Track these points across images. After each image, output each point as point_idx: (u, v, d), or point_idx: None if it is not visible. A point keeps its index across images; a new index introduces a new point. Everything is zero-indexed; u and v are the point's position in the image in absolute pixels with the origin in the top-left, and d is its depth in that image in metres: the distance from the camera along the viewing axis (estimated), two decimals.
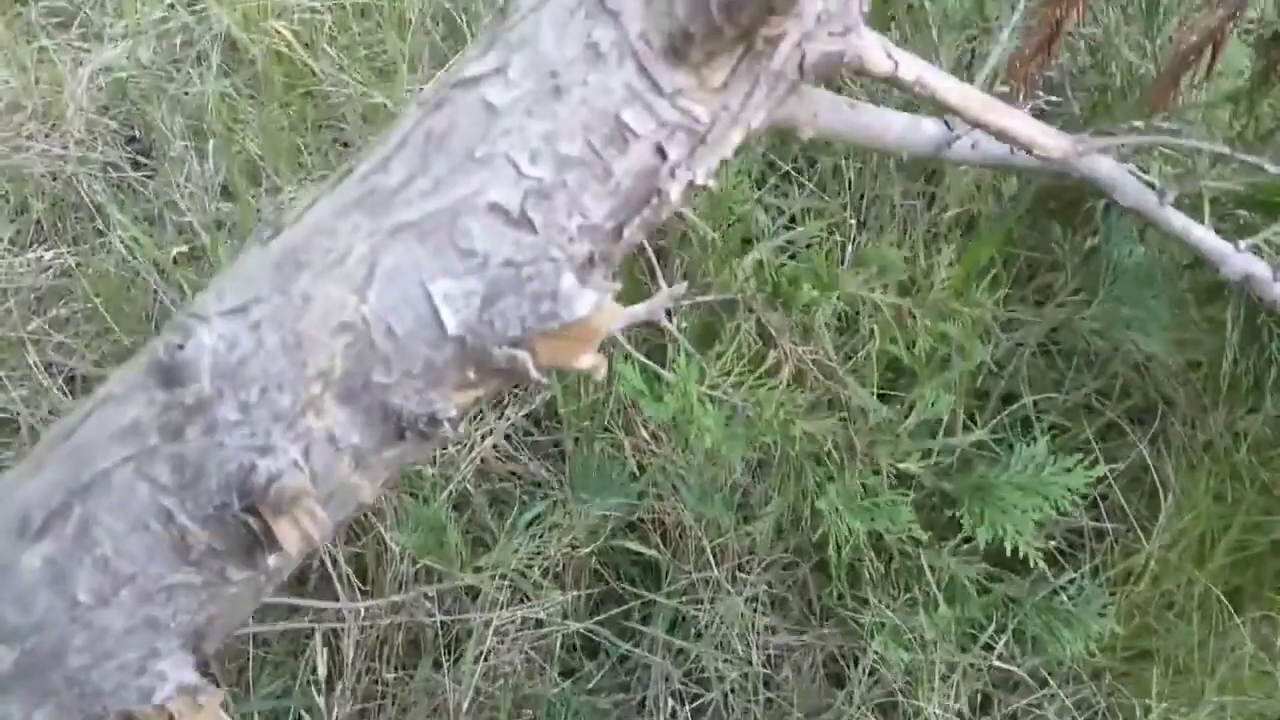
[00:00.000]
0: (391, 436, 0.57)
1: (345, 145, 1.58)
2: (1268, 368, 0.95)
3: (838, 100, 0.69)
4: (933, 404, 1.03)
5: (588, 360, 0.56)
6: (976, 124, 0.64)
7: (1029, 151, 0.66)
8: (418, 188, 0.53)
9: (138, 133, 1.61)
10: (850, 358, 1.16)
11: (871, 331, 1.06)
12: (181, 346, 0.53)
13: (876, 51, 0.61)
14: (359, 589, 1.12)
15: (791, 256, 1.16)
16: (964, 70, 0.96)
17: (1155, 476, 1.19)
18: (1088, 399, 1.23)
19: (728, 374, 1.01)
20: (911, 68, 0.62)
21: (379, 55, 1.56)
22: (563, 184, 0.54)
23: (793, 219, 1.27)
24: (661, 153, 0.55)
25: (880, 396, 1.16)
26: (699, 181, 0.58)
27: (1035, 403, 1.21)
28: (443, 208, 0.53)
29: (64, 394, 1.27)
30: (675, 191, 0.57)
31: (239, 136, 1.53)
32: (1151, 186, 0.73)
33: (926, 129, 0.79)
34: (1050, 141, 0.66)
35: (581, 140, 0.53)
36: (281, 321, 0.53)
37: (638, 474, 1.19)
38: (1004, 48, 0.80)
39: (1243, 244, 0.76)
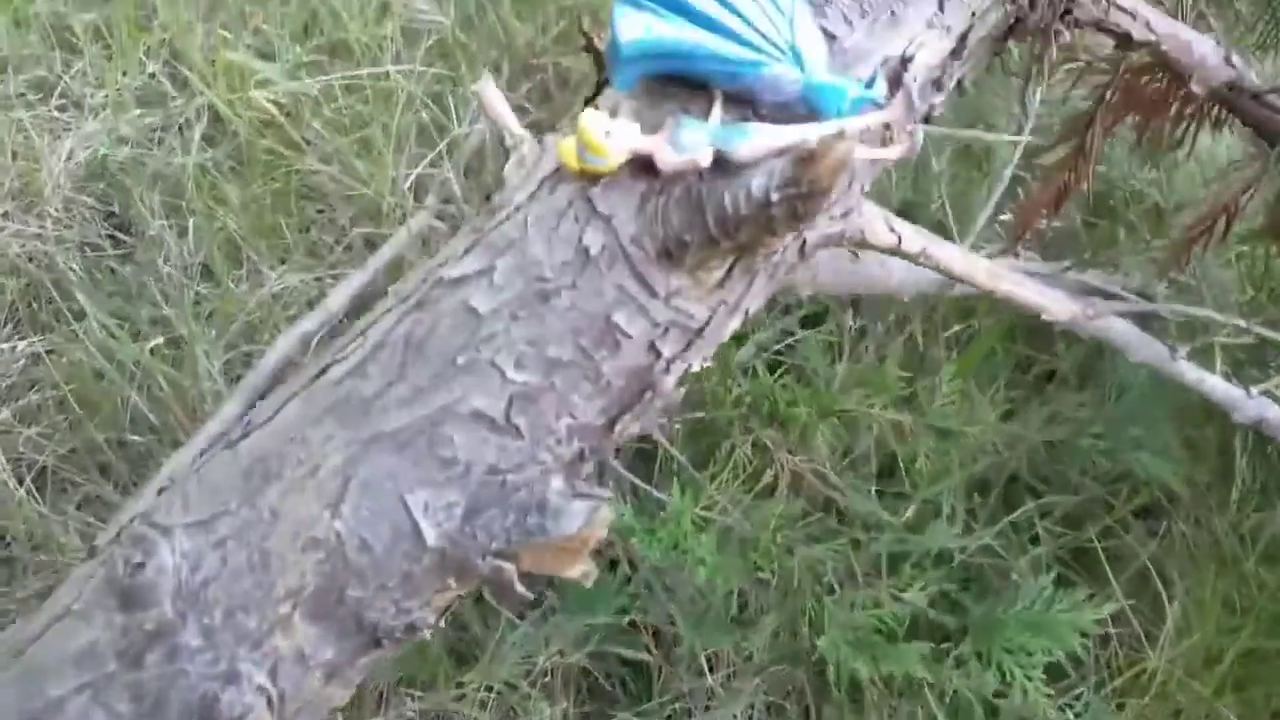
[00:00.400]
0: (366, 646, 0.53)
1: (330, 221, 1.54)
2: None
3: (838, 255, 0.66)
4: (933, 505, 1.00)
5: (577, 569, 0.52)
6: (984, 292, 0.61)
7: (1038, 316, 0.63)
8: (396, 395, 0.50)
9: (117, 209, 1.57)
10: (848, 454, 1.13)
11: (870, 429, 1.03)
12: (142, 565, 0.49)
13: (879, 225, 0.58)
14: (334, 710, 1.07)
15: (790, 348, 1.13)
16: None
17: (1160, 581, 1.16)
18: (1092, 496, 1.20)
19: (723, 486, 0.97)
20: (915, 240, 0.59)
21: (365, 128, 1.53)
22: (550, 386, 0.51)
23: (786, 308, 1.24)
24: (655, 350, 0.52)
25: (878, 493, 1.13)
26: (695, 369, 0.55)
27: (1039, 499, 1.18)
28: (422, 416, 0.50)
29: (34, 498, 1.23)
30: (670, 383, 0.54)
31: (220, 214, 1.49)
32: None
33: (929, 270, 0.75)
34: (1059, 307, 0.63)
35: (571, 343, 0.50)
36: (248, 539, 0.49)
37: (630, 574, 1.15)
38: (999, 196, 0.78)
39: (1255, 389, 0.73)
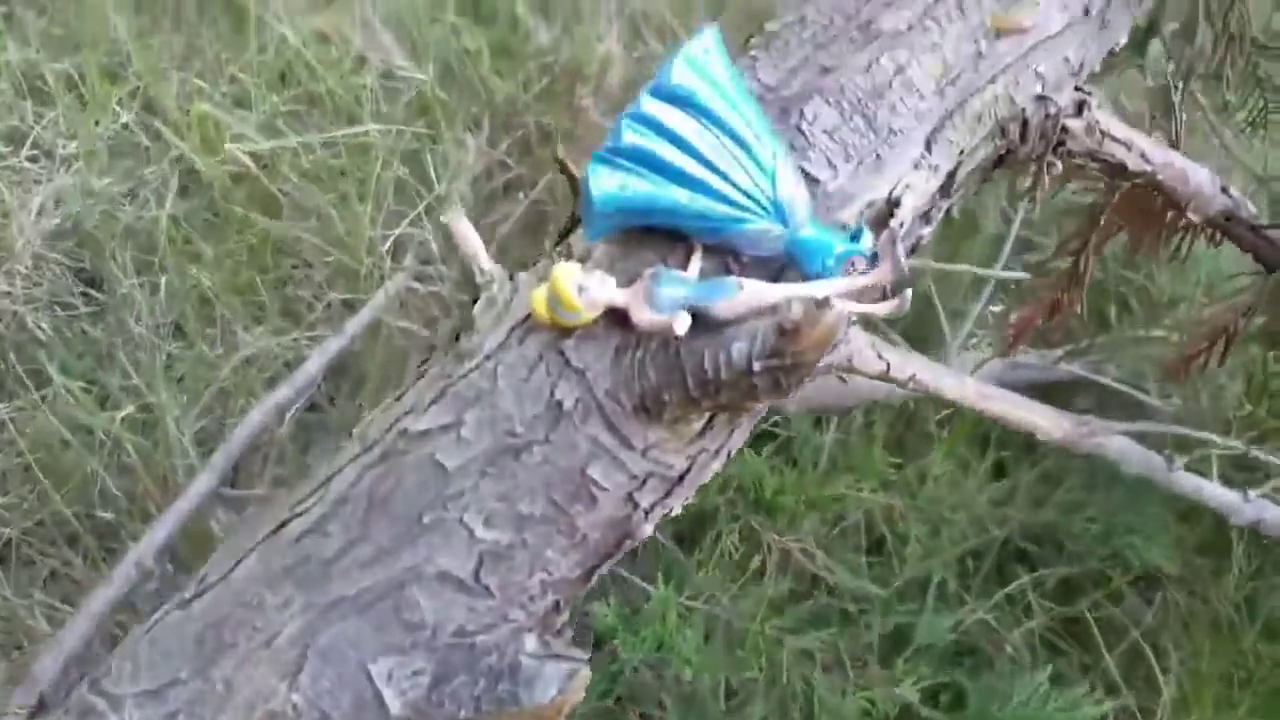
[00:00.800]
0: None
1: (306, 278, 1.51)
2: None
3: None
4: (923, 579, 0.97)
5: None
6: (975, 410, 0.59)
7: (1032, 435, 0.61)
8: (357, 556, 0.47)
9: (88, 265, 1.53)
10: (838, 524, 1.11)
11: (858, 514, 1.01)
12: None
13: (867, 354, 0.55)
14: None
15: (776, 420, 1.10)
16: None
17: (1155, 654, 1.14)
18: (1085, 567, 1.18)
19: (709, 572, 0.94)
20: (904, 366, 0.56)
21: (342, 179, 1.50)
22: (523, 543, 0.48)
23: None
24: (633, 502, 0.49)
25: (868, 564, 1.11)
26: (676, 512, 0.52)
27: (1032, 571, 1.16)
28: (386, 579, 0.47)
29: None
30: (649, 529, 0.51)
31: (193, 271, 1.46)
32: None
33: None
34: (1052, 426, 0.60)
35: (543, 499, 0.47)
36: (200, 713, 0.46)
37: (615, 653, 1.12)
38: (983, 306, 0.76)
39: (1253, 494, 0.71)
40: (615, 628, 0.81)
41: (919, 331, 0.98)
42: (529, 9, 1.41)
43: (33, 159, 1.62)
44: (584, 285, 0.44)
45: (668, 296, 0.43)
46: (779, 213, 0.43)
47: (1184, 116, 0.55)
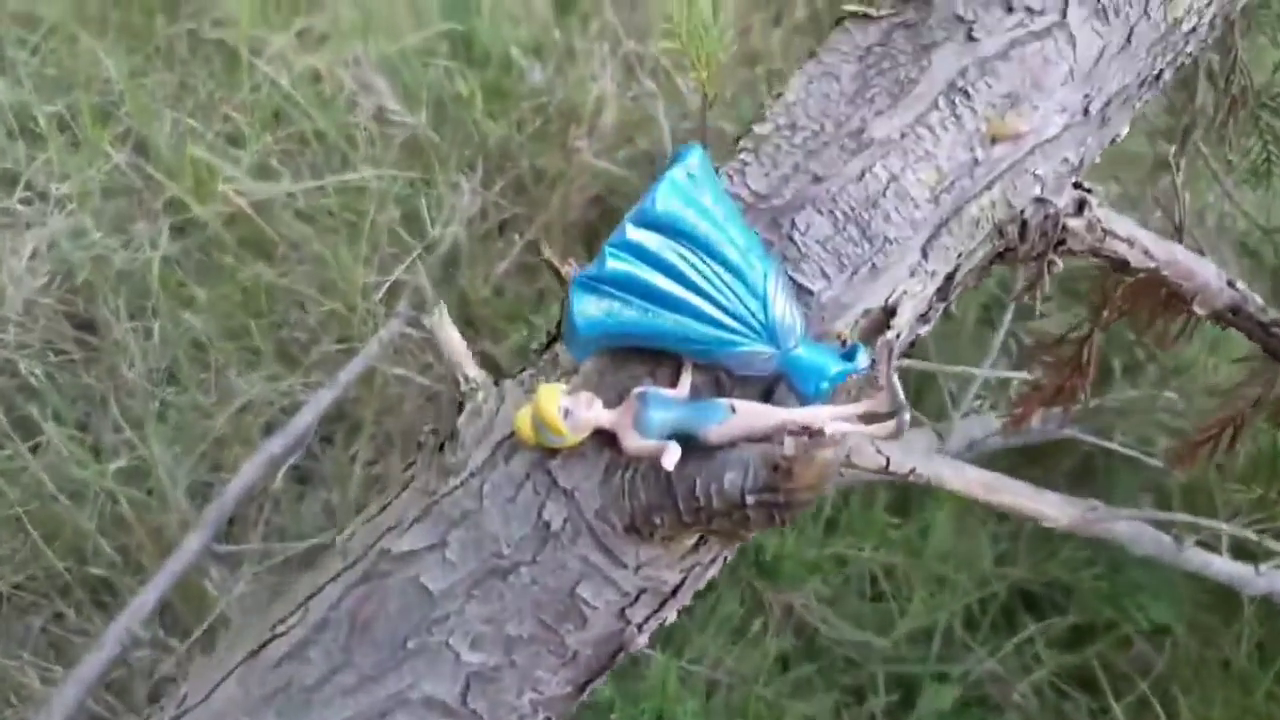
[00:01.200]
0: None
1: (300, 321, 1.49)
2: None
3: None
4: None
5: None
6: (982, 501, 0.58)
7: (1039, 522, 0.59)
8: (340, 684, 0.45)
9: (81, 308, 1.52)
10: (842, 578, 1.09)
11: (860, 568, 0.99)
12: None
13: (866, 449, 0.54)
14: None
15: None
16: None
17: (1163, 702, 1.12)
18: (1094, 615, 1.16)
19: (710, 636, 0.93)
20: (905, 462, 0.55)
21: (335, 223, 1.48)
22: (511, 664, 0.46)
23: None
24: (625, 618, 0.48)
25: (872, 613, 1.09)
26: (672, 620, 0.51)
27: (1040, 620, 1.14)
28: (370, 707, 0.45)
29: None
30: (644, 640, 0.50)
31: (186, 316, 1.44)
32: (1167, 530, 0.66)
33: (917, 443, 0.72)
34: (1058, 513, 0.59)
35: (532, 620, 0.46)
36: None
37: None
38: (982, 383, 0.75)
39: (1263, 567, 0.70)
40: (613, 700, 0.80)
41: (920, 396, 0.97)
42: (522, 50, 1.40)
43: (25, 201, 1.61)
44: (569, 409, 0.42)
45: (657, 420, 0.42)
46: (770, 334, 0.41)
47: (1188, 198, 0.54)
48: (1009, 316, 0.79)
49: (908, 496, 1.03)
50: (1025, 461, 1.15)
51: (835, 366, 0.42)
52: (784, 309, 0.41)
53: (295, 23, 1.58)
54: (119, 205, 1.59)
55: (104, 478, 1.25)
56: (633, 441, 0.42)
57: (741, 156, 0.46)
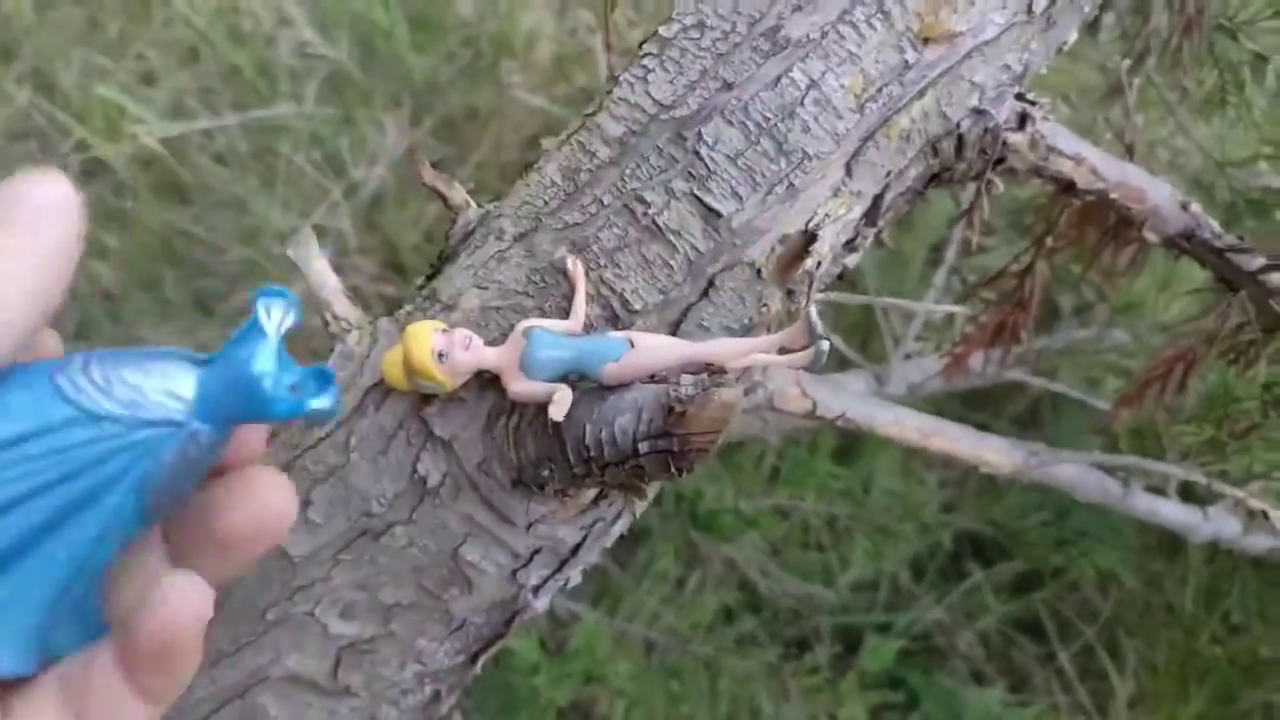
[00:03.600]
0: None
1: (218, 273, 1.42)
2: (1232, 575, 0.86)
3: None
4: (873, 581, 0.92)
5: None
6: (919, 448, 0.53)
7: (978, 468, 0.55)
8: None
9: None
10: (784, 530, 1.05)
11: (804, 527, 0.95)
12: None
13: (791, 392, 0.49)
14: None
15: None
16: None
17: (1111, 649, 1.10)
18: (1040, 563, 1.14)
19: (648, 590, 0.89)
20: (832, 404, 0.50)
21: (254, 165, 1.40)
22: (389, 635, 0.41)
23: None
24: (518, 582, 0.43)
25: (818, 559, 1.06)
26: (575, 582, 0.46)
27: (986, 566, 1.11)
28: (228, 685, 0.40)
29: None
30: (543, 604, 0.45)
31: (94, 265, 1.36)
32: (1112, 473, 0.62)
33: (853, 385, 0.67)
34: (1000, 459, 0.55)
35: (411, 585, 0.41)
36: None
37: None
38: (923, 318, 0.70)
39: (1211, 510, 0.67)
40: (537, 664, 0.75)
41: (860, 336, 0.92)
42: None
43: None
44: (444, 350, 0.37)
45: (545, 359, 0.37)
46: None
47: (1140, 121, 0.50)
48: (951, 252, 0.75)
49: (852, 445, 0.99)
50: (970, 407, 1.11)
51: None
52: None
53: None
54: (24, 149, 1.50)
55: None
56: (518, 385, 0.37)
57: (644, 61, 0.41)
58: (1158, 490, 0.69)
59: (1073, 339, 0.83)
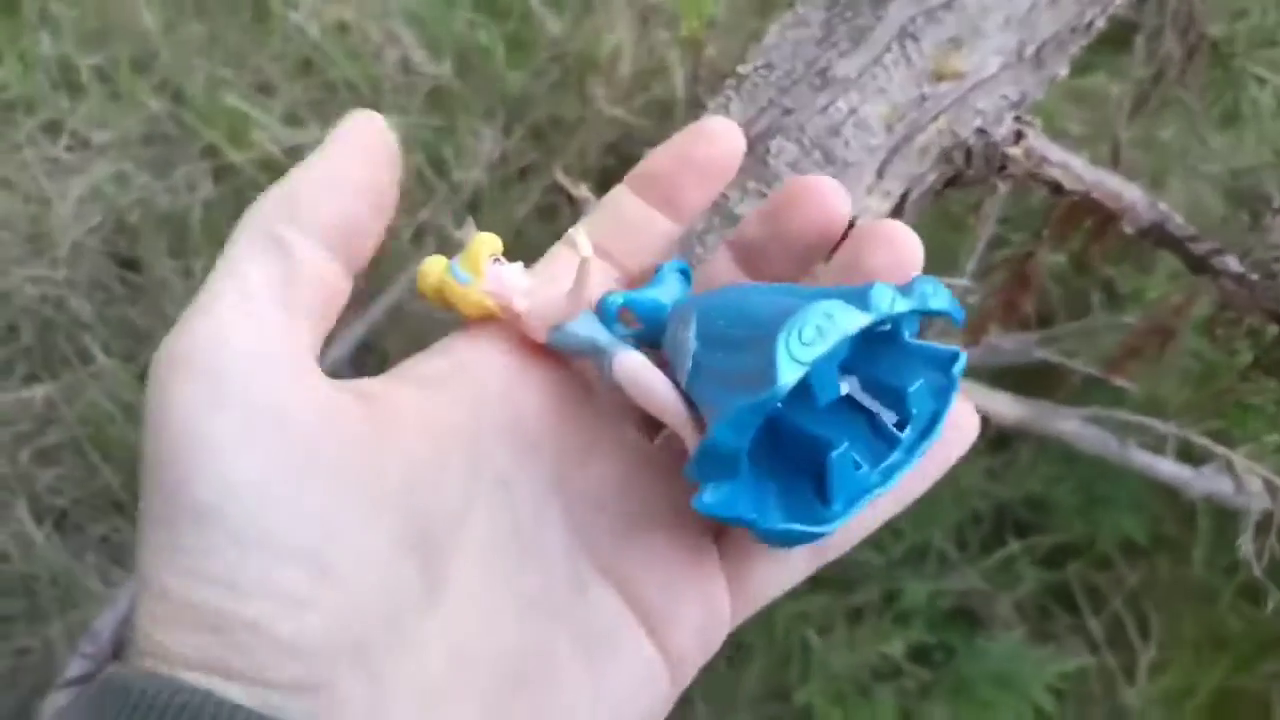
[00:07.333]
0: None
1: None
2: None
3: None
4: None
5: None
6: None
7: (985, 420, 0.67)
8: None
9: (125, 250, 1.62)
10: None
11: None
12: None
13: None
14: None
15: None
16: None
17: (1138, 619, 1.20)
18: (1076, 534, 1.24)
19: None
20: None
21: None
22: None
23: None
24: None
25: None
26: None
27: (1023, 538, 1.22)
28: None
29: (55, 541, 1.29)
30: None
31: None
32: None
33: None
34: (1006, 410, 0.67)
35: None
36: None
37: None
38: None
39: (1205, 469, 0.78)
40: None
41: None
42: (541, 2, 1.47)
43: (69, 149, 1.70)
44: (500, 259, 0.33)
45: (574, 334, 0.33)
46: None
47: (1123, 134, 0.61)
48: (981, 246, 0.86)
49: None
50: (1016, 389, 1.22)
51: None
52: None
53: None
54: (159, 152, 1.68)
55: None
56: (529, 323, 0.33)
57: (726, 92, 0.54)
58: (1158, 451, 0.80)
59: (1087, 324, 0.94)
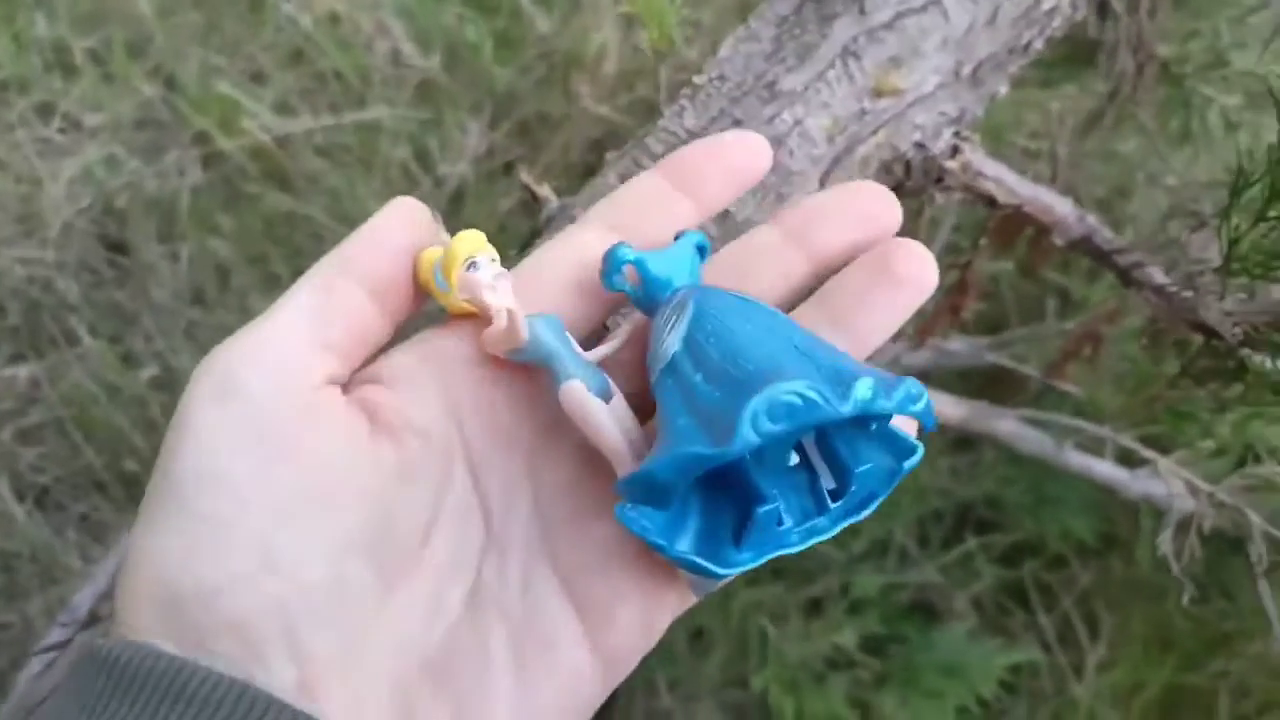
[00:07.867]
0: None
1: (319, 250, 1.61)
2: None
3: None
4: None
5: None
6: None
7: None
8: None
9: (114, 232, 1.64)
10: None
11: None
12: None
13: None
14: None
15: None
16: None
17: (1088, 617, 1.24)
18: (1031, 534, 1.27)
19: None
20: None
21: (351, 159, 1.59)
22: None
23: None
24: None
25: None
26: None
27: (981, 535, 1.26)
28: None
29: (35, 519, 1.31)
30: None
31: (211, 241, 1.56)
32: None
33: None
34: (950, 410, 0.70)
35: None
36: None
37: None
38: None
39: (1140, 472, 0.81)
40: None
41: None
42: (530, 1, 1.50)
43: (61, 130, 1.72)
44: (477, 261, 0.35)
45: (538, 339, 0.34)
46: None
47: (1063, 151, 0.64)
48: (935, 252, 0.89)
49: None
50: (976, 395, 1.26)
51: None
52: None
53: None
54: (150, 136, 1.70)
55: (136, 384, 1.38)
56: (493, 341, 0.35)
57: (681, 101, 0.57)
58: (1102, 453, 0.83)
59: (1043, 330, 0.97)
